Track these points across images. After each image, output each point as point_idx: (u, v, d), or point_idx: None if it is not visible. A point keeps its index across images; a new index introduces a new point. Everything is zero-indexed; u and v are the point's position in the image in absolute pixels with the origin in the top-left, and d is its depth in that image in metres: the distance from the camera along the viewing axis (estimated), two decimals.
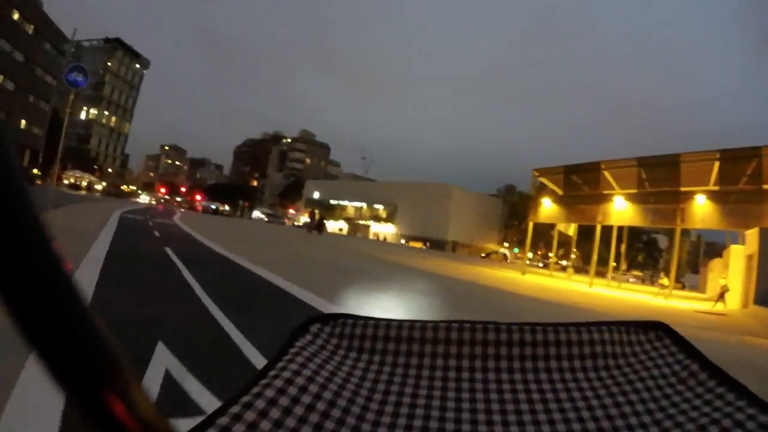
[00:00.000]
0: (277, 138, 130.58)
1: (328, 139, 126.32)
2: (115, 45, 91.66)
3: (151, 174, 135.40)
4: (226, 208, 67.69)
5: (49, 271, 0.22)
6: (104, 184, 75.62)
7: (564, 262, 50.42)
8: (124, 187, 79.50)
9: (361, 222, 66.70)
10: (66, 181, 62.66)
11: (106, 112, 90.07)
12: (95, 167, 78.95)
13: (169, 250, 9.44)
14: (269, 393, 0.47)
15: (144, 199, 70.94)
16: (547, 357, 0.63)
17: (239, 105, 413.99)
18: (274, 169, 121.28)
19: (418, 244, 54.55)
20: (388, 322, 0.66)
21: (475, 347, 0.63)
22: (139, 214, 23.82)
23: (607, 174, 23.12)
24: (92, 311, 0.24)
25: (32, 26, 41.02)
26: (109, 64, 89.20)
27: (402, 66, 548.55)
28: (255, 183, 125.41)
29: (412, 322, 0.65)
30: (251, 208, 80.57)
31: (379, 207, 64.52)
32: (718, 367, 0.55)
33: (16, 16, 38.03)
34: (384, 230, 63.28)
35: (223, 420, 0.42)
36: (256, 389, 0.48)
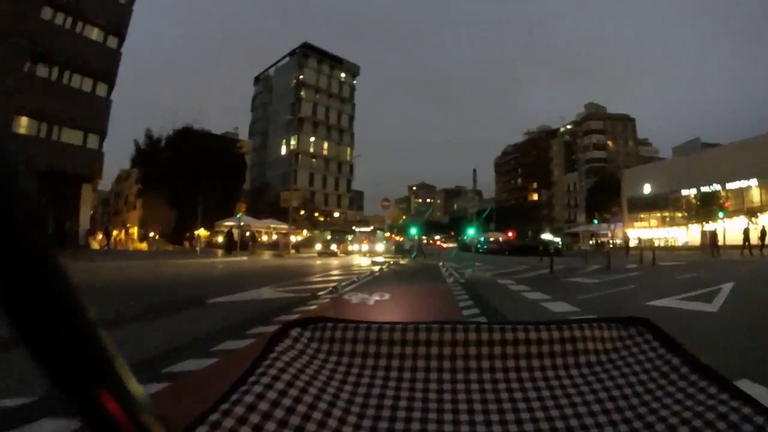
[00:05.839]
0: (549, 131, 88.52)
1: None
2: (305, 52, 65.70)
3: (404, 217, 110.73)
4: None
5: (43, 269, 0.21)
6: (327, 235, 47.66)
7: None
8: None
9: None
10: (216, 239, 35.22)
11: (312, 138, 64.17)
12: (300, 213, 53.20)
13: None
14: (248, 399, 0.46)
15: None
16: (529, 355, 0.63)
17: (471, 136, 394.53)
18: (561, 172, 78.58)
19: None
20: (368, 325, 0.65)
21: (457, 348, 0.62)
22: None
23: None
24: (87, 309, 0.23)
25: None
26: (301, 77, 63.80)
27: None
28: (536, 197, 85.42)
29: (392, 324, 0.65)
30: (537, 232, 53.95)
31: None
32: (700, 361, 0.55)
33: None
34: None
35: (202, 429, 0.41)
36: (235, 396, 0.46)
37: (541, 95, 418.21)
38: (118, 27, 26.25)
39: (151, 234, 41.01)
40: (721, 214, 32.33)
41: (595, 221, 48.19)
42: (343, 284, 8.39)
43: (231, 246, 24.38)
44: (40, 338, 0.22)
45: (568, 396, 0.56)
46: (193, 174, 35.35)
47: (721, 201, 36.95)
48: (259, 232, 35.90)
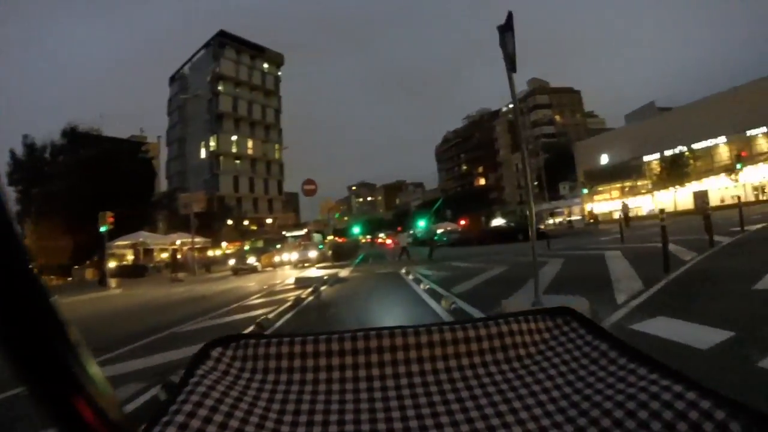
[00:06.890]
0: (491, 113, 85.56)
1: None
2: (222, 41, 57.99)
3: (346, 219, 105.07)
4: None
5: (16, 272, 0.21)
6: (255, 244, 40.59)
7: None
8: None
9: None
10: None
11: (234, 137, 56.78)
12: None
13: None
14: (170, 431, 0.44)
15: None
16: (458, 355, 0.62)
17: (409, 131, 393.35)
18: (507, 152, 75.45)
19: None
20: (291, 339, 0.63)
21: (384, 354, 0.61)
22: None
23: None
24: (61, 314, 0.24)
25: None
26: (218, 69, 56.20)
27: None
28: (483, 181, 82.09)
29: (316, 335, 0.64)
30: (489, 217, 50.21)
31: None
32: (628, 345, 0.55)
33: None
34: None
35: None
36: (157, 429, 0.44)
37: (479, 82, 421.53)
38: None
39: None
40: (738, 166, 28.78)
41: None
42: None
43: (103, 275, 17.49)
44: (15, 343, 0.22)
45: (501, 392, 0.56)
46: (88, 188, 27.68)
47: (734, 152, 33.64)
48: (174, 250, 28.79)
